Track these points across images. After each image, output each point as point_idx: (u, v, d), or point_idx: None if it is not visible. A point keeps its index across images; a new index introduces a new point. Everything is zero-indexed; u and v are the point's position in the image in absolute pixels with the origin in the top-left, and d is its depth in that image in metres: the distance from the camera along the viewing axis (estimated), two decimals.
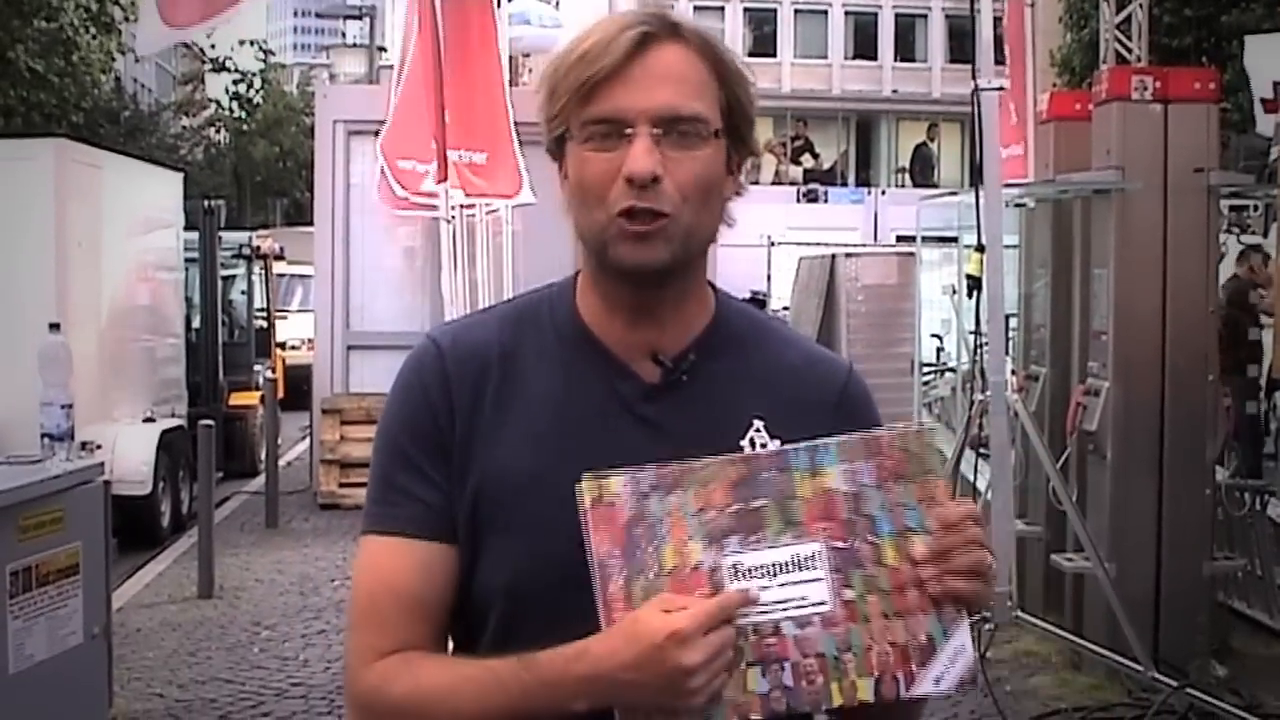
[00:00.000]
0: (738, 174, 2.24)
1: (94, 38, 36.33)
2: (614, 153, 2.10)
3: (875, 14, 63.35)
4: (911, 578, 1.95)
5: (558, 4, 23.84)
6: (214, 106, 59.58)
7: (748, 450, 2.17)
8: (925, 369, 15.29)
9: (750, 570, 1.96)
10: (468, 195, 13.11)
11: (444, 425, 2.20)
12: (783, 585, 1.96)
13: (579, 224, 2.18)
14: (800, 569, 1.96)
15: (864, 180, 56.64)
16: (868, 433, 2.00)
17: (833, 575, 1.96)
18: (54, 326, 8.48)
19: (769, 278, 21.87)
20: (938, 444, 2.00)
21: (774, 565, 1.96)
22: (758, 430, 2.21)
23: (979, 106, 8.04)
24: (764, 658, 1.95)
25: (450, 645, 2.23)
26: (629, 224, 2.10)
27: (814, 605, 1.95)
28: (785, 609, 1.95)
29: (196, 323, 17.45)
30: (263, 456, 16.70)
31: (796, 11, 62.68)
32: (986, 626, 8.13)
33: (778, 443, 2.19)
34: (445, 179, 12.67)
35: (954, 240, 12.93)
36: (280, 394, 17.00)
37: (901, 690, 1.93)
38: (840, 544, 1.96)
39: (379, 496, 2.23)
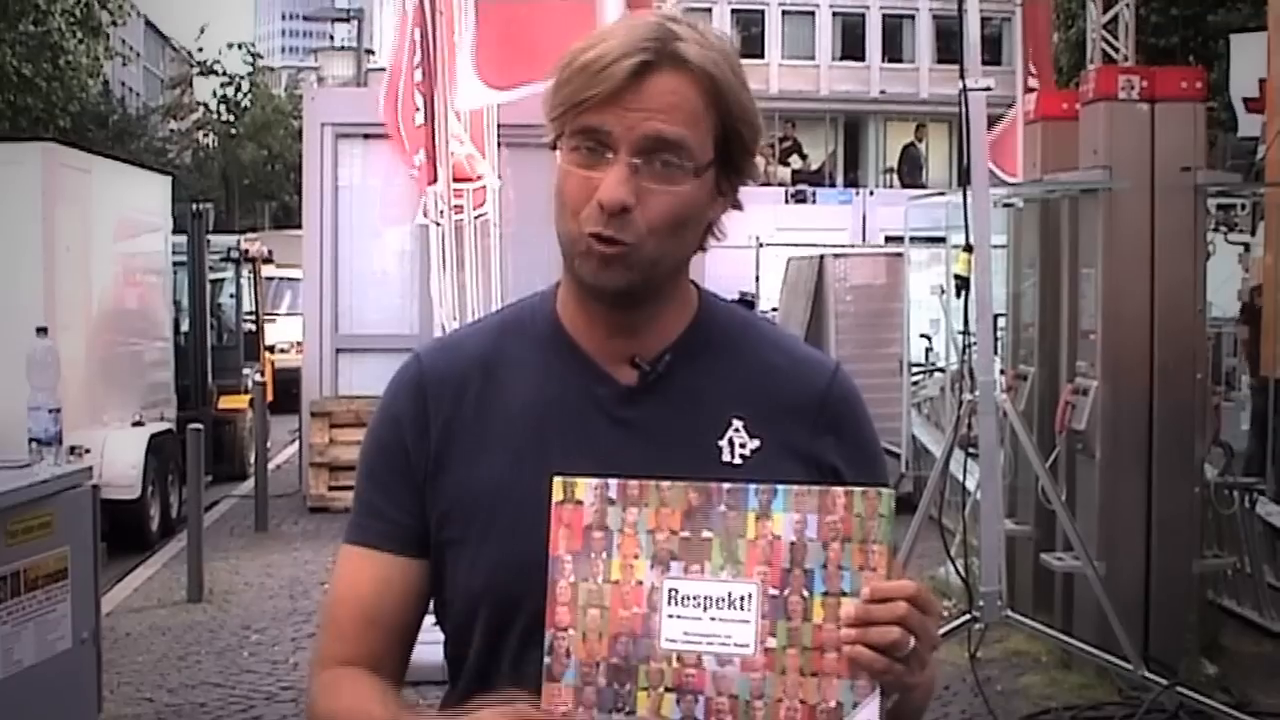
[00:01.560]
0: (730, 195, 2.23)
1: (81, 41, 36.31)
2: (594, 172, 2.10)
3: (863, 15, 63.41)
4: (833, 641, 1.93)
5: None
6: (202, 110, 59.56)
7: (723, 449, 2.19)
8: (914, 369, 15.28)
9: (686, 598, 1.97)
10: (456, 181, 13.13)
11: (416, 447, 2.26)
12: (712, 619, 1.96)
13: (556, 227, 2.18)
14: (732, 607, 1.96)
15: (852, 181, 56.64)
16: (824, 487, 1.98)
17: (762, 621, 1.95)
18: (41, 330, 8.47)
19: (757, 279, 21.86)
20: (886, 510, 1.96)
21: (708, 598, 1.97)
22: (736, 430, 2.21)
23: (966, 107, 8.05)
24: (681, 686, 1.96)
25: (409, 661, 2.31)
26: (596, 244, 2.10)
27: (737, 646, 1.95)
28: (710, 643, 1.96)
29: (185, 326, 17.43)
30: (252, 460, 16.65)
31: (784, 12, 62.74)
32: (976, 626, 8.14)
33: (758, 443, 2.20)
34: (435, 181, 12.68)
35: (942, 240, 12.94)
36: (269, 397, 17.04)
37: None
38: (774, 591, 1.96)
39: (355, 510, 2.33)
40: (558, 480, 2.01)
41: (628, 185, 2.07)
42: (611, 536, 1.99)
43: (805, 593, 1.95)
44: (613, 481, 2.00)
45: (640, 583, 1.97)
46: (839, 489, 1.98)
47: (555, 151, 2.18)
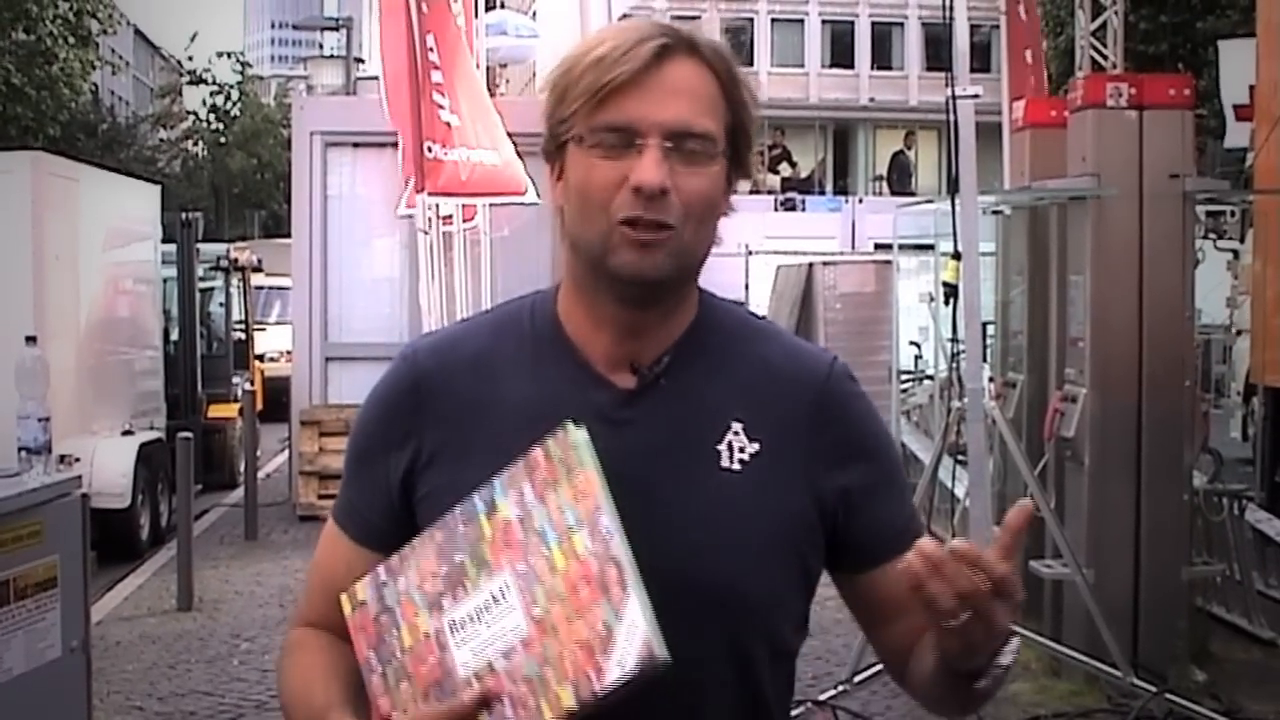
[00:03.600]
0: (730, 193, 2.23)
1: (73, 47, 36.29)
2: (621, 161, 2.09)
3: (852, 23, 63.44)
4: (579, 575, 1.96)
5: (534, 14, 23.86)
6: (191, 119, 59.56)
7: (722, 453, 2.19)
8: (903, 377, 15.31)
9: (463, 622, 2.02)
10: (474, 196, 13.13)
11: (399, 453, 2.28)
12: (488, 625, 2.00)
13: (575, 230, 2.17)
14: (497, 604, 2.00)
15: (841, 188, 56.62)
16: (526, 456, 2.02)
17: (522, 599, 1.99)
18: (30, 339, 8.48)
19: (747, 286, 21.84)
20: (578, 438, 2.00)
21: (478, 610, 2.01)
22: (735, 433, 2.20)
23: (954, 114, 8.06)
24: (486, 698, 1.99)
25: None
26: (633, 231, 2.09)
27: (514, 633, 1.99)
28: (494, 645, 2.00)
29: (175, 335, 17.39)
30: (241, 469, 16.67)
31: (773, 21, 62.73)
32: None
33: (757, 445, 2.20)
34: (424, 189, 12.68)
35: (931, 248, 12.95)
36: (259, 406, 16.97)
37: (595, 686, 1.93)
38: (521, 567, 2.00)
39: (341, 489, 2.40)
40: (342, 597, 2.11)
41: (663, 167, 2.08)
42: (394, 612, 2.06)
43: (545, 551, 1.99)
44: (379, 567, 2.08)
45: (427, 635, 2.04)
46: (536, 448, 2.02)
47: (567, 149, 2.17)
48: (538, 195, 12.78)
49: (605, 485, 1.98)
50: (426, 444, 2.25)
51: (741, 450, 2.20)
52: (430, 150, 12.47)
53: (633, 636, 1.92)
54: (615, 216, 2.10)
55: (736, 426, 2.21)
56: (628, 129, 2.09)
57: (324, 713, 2.14)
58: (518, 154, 12.83)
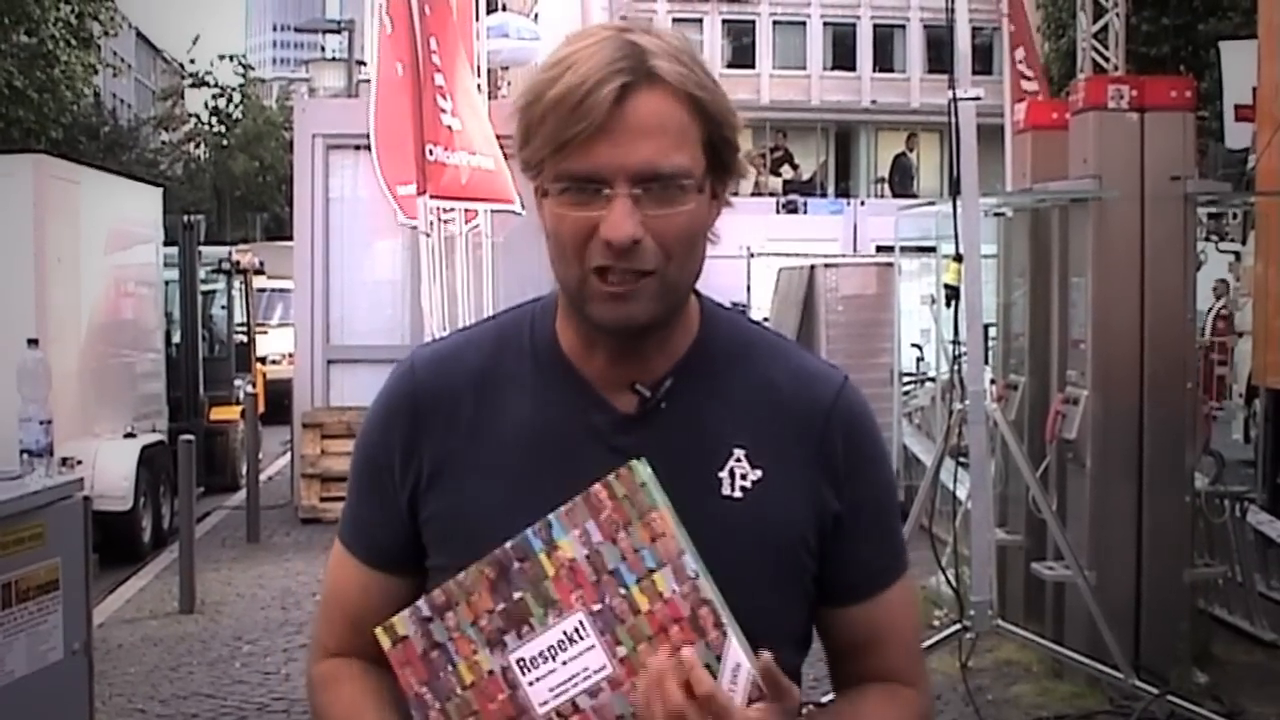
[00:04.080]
0: (723, 195, 2.15)
1: (75, 49, 36.27)
2: (590, 210, 2.02)
3: (853, 25, 63.41)
4: (668, 615, 1.96)
5: (535, 17, 23.86)
6: (193, 121, 59.47)
7: (724, 480, 2.16)
8: (905, 379, 15.31)
9: (534, 660, 2.00)
10: (472, 201, 13.13)
11: (403, 470, 2.24)
12: (565, 664, 1.99)
13: (556, 272, 2.12)
14: (573, 643, 1.99)
15: (843, 191, 56.60)
16: (585, 493, 1.99)
17: (602, 638, 1.98)
18: (32, 342, 8.48)
19: (749, 289, 21.83)
20: (644, 476, 1.97)
21: (550, 648, 2.00)
22: (738, 460, 2.16)
23: (956, 116, 8.06)
24: None
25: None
26: (605, 284, 2.04)
27: (598, 672, 1.98)
28: (575, 684, 1.99)
29: (177, 338, 17.43)
30: (243, 471, 16.68)
31: (775, 23, 62.73)
32: (967, 635, 8.14)
33: (759, 473, 2.16)
34: (424, 191, 12.68)
35: (932, 250, 12.95)
36: (261, 408, 16.98)
37: None
38: (597, 607, 1.98)
39: (346, 510, 2.36)
40: (378, 630, 2.06)
41: (633, 218, 1.99)
42: (446, 648, 2.03)
43: (622, 591, 1.98)
44: (420, 603, 2.05)
45: (491, 672, 2.01)
46: (597, 485, 1.99)
47: (532, 178, 2.12)
48: (523, 206, 12.81)
49: (680, 524, 1.98)
50: (426, 463, 2.21)
51: (744, 478, 2.16)
52: (431, 153, 12.47)
53: (739, 675, 1.94)
54: (589, 264, 2.04)
55: (739, 453, 2.16)
56: (593, 179, 2.01)
57: None
58: (506, 157, 12.87)
